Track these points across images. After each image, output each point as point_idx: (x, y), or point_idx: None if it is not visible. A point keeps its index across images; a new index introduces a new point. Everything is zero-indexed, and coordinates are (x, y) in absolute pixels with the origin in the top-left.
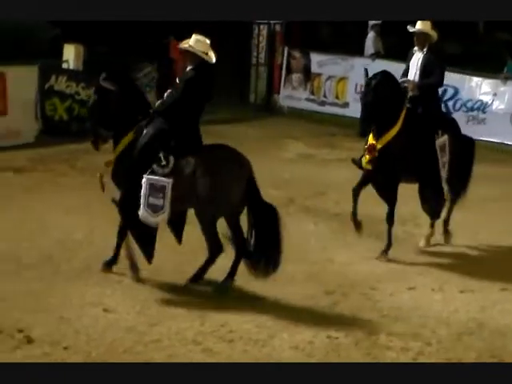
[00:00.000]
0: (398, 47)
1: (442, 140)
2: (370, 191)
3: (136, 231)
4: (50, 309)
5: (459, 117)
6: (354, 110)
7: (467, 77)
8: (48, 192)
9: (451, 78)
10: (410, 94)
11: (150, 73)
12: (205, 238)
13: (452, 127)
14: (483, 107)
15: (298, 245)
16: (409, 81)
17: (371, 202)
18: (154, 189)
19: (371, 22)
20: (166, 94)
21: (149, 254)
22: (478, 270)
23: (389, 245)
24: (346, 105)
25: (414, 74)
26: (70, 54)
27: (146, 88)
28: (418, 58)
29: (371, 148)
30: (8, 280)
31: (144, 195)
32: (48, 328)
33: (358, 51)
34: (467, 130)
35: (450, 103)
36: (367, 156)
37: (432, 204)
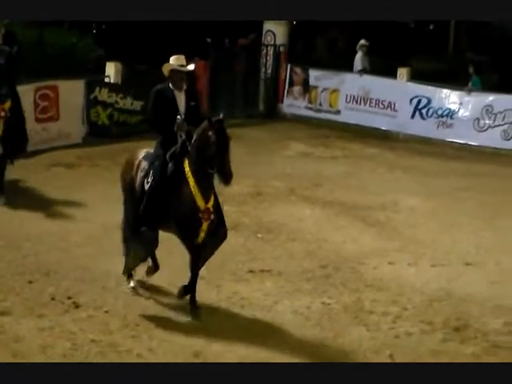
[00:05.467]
0: (381, 65)
1: None
2: (357, 183)
3: None
4: (94, 280)
5: (432, 122)
6: (345, 116)
7: (438, 89)
8: (93, 184)
9: (426, 90)
10: None
11: None
12: None
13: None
14: (451, 114)
15: (298, 227)
16: None
17: (355, 192)
18: None
19: (360, 43)
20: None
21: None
22: (447, 248)
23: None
24: (338, 112)
25: None
26: (111, 71)
27: None
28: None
29: None
30: (60, 256)
31: None
32: (92, 295)
33: (348, 68)
34: (438, 133)
35: (424, 111)
36: None
37: None
